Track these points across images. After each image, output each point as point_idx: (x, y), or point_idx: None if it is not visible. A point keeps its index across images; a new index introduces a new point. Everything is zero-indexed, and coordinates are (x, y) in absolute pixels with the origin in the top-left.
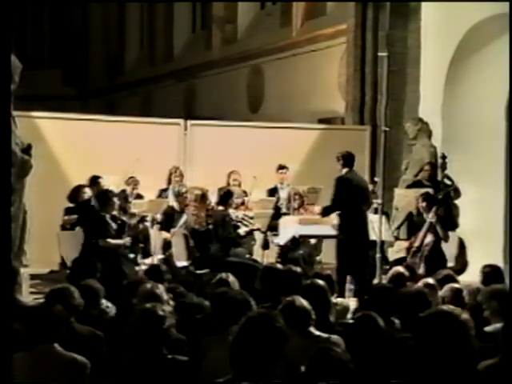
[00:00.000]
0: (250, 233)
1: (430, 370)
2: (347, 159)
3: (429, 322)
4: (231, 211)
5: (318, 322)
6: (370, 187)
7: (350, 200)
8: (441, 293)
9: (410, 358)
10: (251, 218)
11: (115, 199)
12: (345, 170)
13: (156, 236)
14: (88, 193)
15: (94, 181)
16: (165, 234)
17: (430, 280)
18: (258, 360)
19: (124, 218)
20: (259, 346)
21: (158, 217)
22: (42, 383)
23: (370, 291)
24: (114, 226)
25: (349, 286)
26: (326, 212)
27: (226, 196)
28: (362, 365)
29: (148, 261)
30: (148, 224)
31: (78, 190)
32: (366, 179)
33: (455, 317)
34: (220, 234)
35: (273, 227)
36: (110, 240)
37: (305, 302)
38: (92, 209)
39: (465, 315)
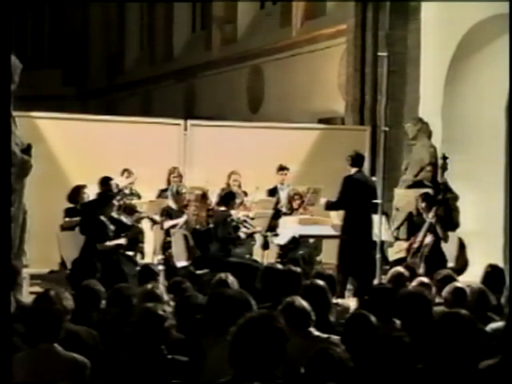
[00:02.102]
0: (251, 235)
1: (431, 369)
2: (356, 160)
3: (446, 324)
4: (232, 212)
5: (318, 322)
6: None
7: (356, 200)
8: (443, 293)
9: (406, 356)
10: (252, 219)
11: (115, 201)
12: (353, 170)
13: (156, 236)
14: (88, 193)
15: (106, 182)
16: (168, 224)
17: (425, 279)
18: (259, 361)
19: (123, 218)
20: (260, 346)
21: (157, 217)
22: (43, 383)
23: (369, 291)
24: (111, 227)
25: (349, 286)
26: (331, 207)
27: (228, 197)
28: (357, 364)
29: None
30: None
31: (77, 190)
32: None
33: (468, 320)
34: (220, 234)
35: (273, 227)
36: (107, 243)
37: (304, 303)
38: (91, 211)
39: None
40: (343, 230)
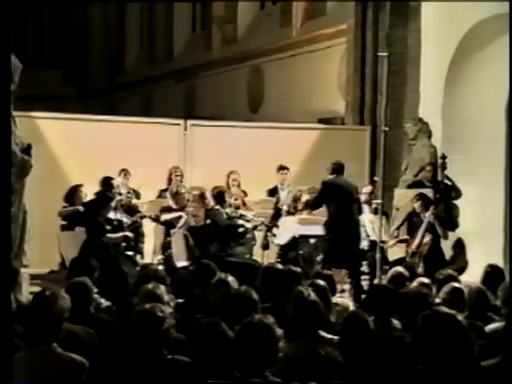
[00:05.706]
0: (254, 228)
1: (429, 369)
2: (336, 168)
3: (427, 323)
4: (229, 210)
5: None
6: (370, 188)
7: (335, 201)
8: (441, 293)
9: (407, 356)
10: (253, 215)
11: (112, 203)
12: (332, 176)
13: (156, 236)
14: (85, 192)
15: (107, 182)
16: (165, 216)
17: (425, 279)
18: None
19: (118, 216)
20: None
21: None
22: (42, 383)
23: (368, 291)
24: (107, 228)
25: (348, 287)
26: (311, 205)
27: (219, 195)
28: (353, 364)
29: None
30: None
31: (74, 190)
32: (355, 184)
33: (452, 318)
34: (214, 230)
35: (273, 227)
36: (113, 235)
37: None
38: (89, 211)
39: (460, 316)
40: (329, 230)
